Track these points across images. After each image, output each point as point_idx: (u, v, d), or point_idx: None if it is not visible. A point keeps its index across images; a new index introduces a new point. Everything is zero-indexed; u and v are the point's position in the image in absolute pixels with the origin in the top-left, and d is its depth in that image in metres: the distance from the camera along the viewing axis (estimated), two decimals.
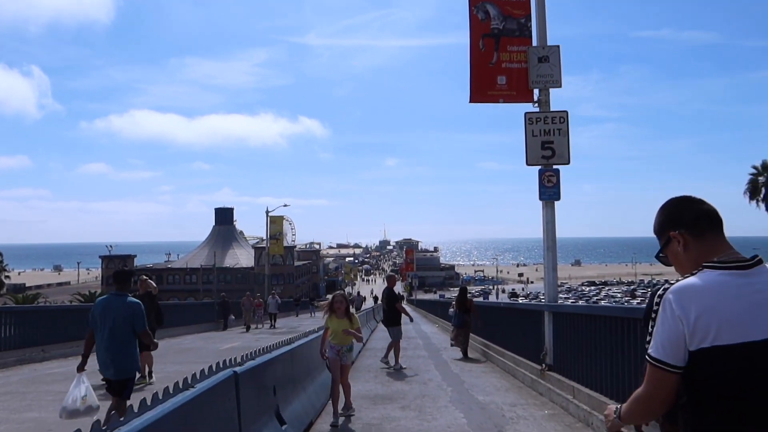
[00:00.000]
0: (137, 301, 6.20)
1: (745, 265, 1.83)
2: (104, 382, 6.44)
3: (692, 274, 1.87)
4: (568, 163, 8.26)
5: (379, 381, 10.03)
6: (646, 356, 1.86)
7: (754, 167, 55.66)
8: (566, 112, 8.21)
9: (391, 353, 12.00)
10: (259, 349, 5.63)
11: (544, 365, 8.74)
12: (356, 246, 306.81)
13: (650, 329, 1.90)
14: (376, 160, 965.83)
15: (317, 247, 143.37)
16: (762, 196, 54.56)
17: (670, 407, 1.86)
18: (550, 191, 8.27)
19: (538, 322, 9.29)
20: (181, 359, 13.60)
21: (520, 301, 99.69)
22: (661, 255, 2.09)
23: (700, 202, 2.02)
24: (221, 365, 4.14)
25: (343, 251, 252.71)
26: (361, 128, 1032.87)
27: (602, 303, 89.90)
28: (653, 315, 1.88)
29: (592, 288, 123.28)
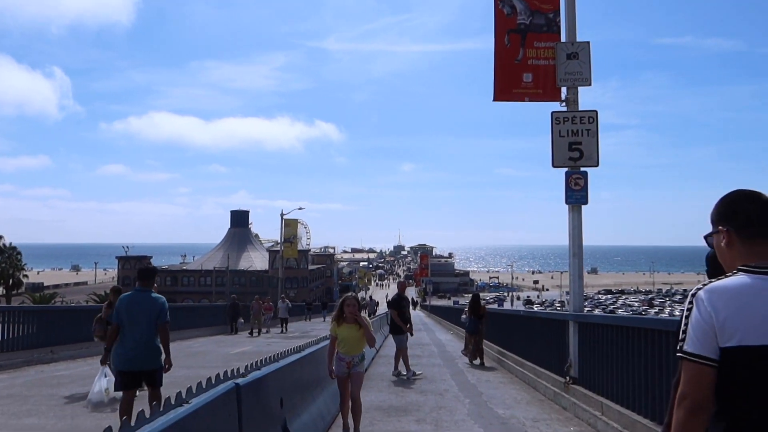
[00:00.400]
0: (161, 296, 6.40)
1: None
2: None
3: (726, 276, 1.89)
4: (596, 165, 7.80)
5: (392, 391, 9.61)
6: (680, 354, 1.86)
7: None
8: (596, 111, 7.76)
9: (401, 361, 11.57)
10: (266, 358, 5.25)
11: (568, 378, 8.28)
12: (371, 251, 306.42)
13: (683, 327, 1.89)
14: (392, 164, 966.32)
15: (332, 251, 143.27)
16: None
17: (709, 410, 1.83)
18: (577, 195, 7.82)
19: (562, 332, 8.82)
20: (190, 363, 13.30)
21: (535, 309, 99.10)
22: (708, 237, 2.09)
23: (760, 204, 1.94)
24: (222, 377, 3.77)
25: (358, 256, 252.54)
26: (377, 133, 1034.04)
27: (619, 312, 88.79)
28: (686, 314, 1.88)
29: (609, 296, 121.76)
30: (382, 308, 51.49)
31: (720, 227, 2.00)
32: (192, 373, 10.86)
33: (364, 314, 6.69)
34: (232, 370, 4.07)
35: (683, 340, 1.87)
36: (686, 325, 1.88)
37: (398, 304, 12.12)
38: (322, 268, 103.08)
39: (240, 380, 3.84)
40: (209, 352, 16.92)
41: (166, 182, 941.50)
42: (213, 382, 3.54)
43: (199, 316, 26.00)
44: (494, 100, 8.27)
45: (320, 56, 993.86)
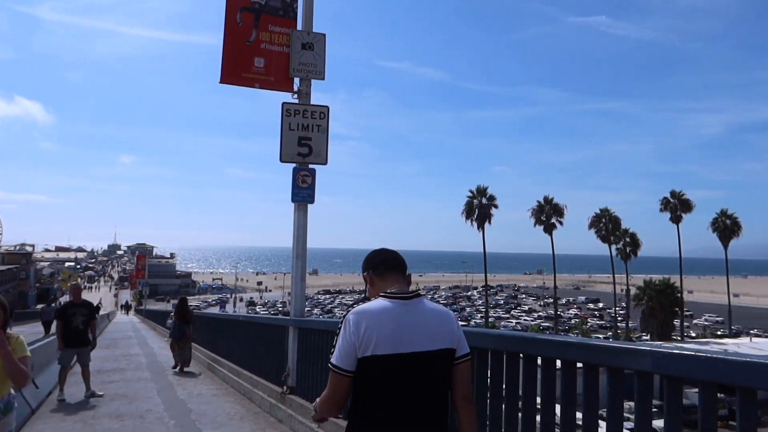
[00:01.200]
0: None
1: (406, 296, 2.54)
2: None
3: (370, 301, 2.57)
4: (325, 163, 7.49)
5: (80, 418, 7.96)
6: (329, 364, 2.47)
7: (471, 191, 64.26)
8: (327, 107, 7.45)
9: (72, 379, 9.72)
10: None
11: (285, 387, 7.78)
12: (80, 249, 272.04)
13: (335, 342, 2.47)
14: (110, 155, 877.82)
15: (30, 249, 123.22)
16: (476, 216, 63.08)
17: (342, 407, 2.51)
18: (304, 192, 7.40)
19: (282, 338, 8.33)
20: None
21: (258, 309, 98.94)
22: (364, 291, 2.79)
23: (387, 253, 2.78)
24: None
25: (64, 255, 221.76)
26: (94, 119, 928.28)
27: (336, 311, 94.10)
28: (338, 332, 2.46)
29: (328, 296, 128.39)
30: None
31: (365, 274, 2.76)
32: None
33: (11, 331, 3.97)
34: None
35: (332, 353, 2.48)
36: (336, 341, 2.48)
37: (64, 313, 9.69)
38: (15, 270, 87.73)
39: None
40: None
41: None
42: None
43: None
44: (221, 82, 7.37)
45: (29, 24, 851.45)
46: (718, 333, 73.17)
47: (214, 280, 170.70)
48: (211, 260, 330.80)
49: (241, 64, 7.34)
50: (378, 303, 2.49)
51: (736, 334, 67.13)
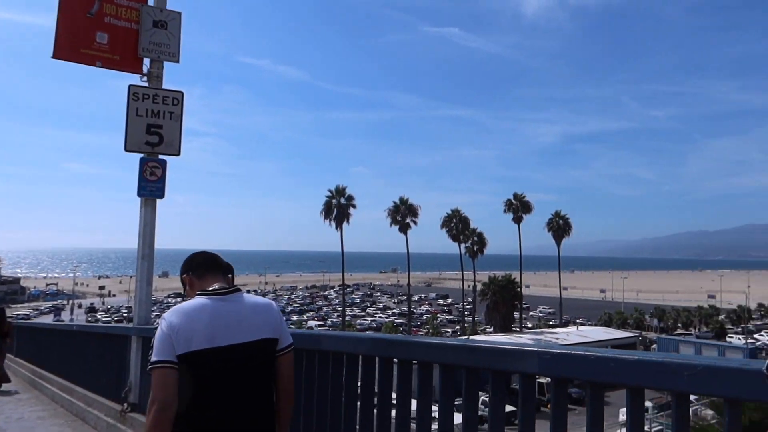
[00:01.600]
0: None
1: (224, 292, 2.58)
2: None
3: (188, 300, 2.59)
4: (178, 154, 6.78)
5: None
6: (150, 366, 2.40)
7: (330, 191, 64.44)
8: (181, 92, 6.73)
9: None
10: None
11: (126, 405, 6.95)
12: None
13: (152, 344, 2.45)
14: None
15: None
16: (334, 215, 63.36)
17: (174, 407, 2.33)
18: (152, 186, 6.65)
19: (124, 349, 7.45)
20: None
21: (99, 316, 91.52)
22: (184, 295, 2.73)
23: (205, 254, 2.81)
24: None
25: None
26: None
27: None
28: (156, 332, 2.45)
29: (179, 299, 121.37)
30: None
31: (183, 277, 2.76)
32: None
33: None
34: None
35: (151, 354, 2.40)
36: (153, 341, 2.43)
37: None
38: None
39: None
40: None
41: None
42: None
43: None
44: (54, 57, 6.36)
45: None
46: (551, 323, 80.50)
47: (48, 285, 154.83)
48: (45, 264, 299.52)
49: (79, 38, 6.41)
50: (193, 301, 2.52)
51: (565, 324, 74.39)
